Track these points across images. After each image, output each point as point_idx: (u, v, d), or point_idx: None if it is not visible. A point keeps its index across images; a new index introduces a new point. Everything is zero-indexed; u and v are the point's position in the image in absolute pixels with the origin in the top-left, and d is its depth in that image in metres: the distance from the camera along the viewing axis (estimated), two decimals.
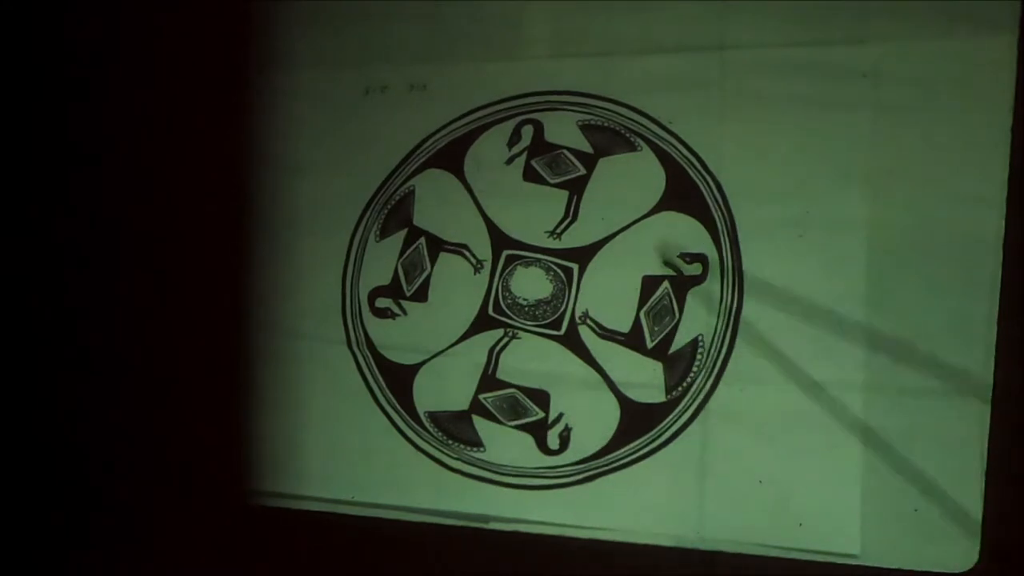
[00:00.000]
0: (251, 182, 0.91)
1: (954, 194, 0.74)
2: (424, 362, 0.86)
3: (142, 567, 0.95)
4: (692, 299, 0.80)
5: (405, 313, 0.87)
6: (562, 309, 0.83)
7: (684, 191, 0.81)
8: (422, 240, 0.87)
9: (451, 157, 0.87)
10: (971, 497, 0.74)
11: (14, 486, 0.98)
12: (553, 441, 0.83)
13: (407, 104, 0.88)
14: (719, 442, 0.79)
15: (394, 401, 0.87)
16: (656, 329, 0.81)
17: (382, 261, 0.88)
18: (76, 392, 0.96)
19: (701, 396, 0.79)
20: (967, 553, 0.74)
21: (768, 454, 0.78)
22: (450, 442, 0.86)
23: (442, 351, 0.86)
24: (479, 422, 0.85)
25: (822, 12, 0.77)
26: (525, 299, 0.84)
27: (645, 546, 0.80)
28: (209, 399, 0.92)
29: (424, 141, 0.88)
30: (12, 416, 0.98)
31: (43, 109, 0.97)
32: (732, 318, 0.79)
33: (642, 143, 0.82)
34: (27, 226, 0.98)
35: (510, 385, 0.84)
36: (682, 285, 0.80)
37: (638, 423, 0.81)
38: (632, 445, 0.81)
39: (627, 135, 0.83)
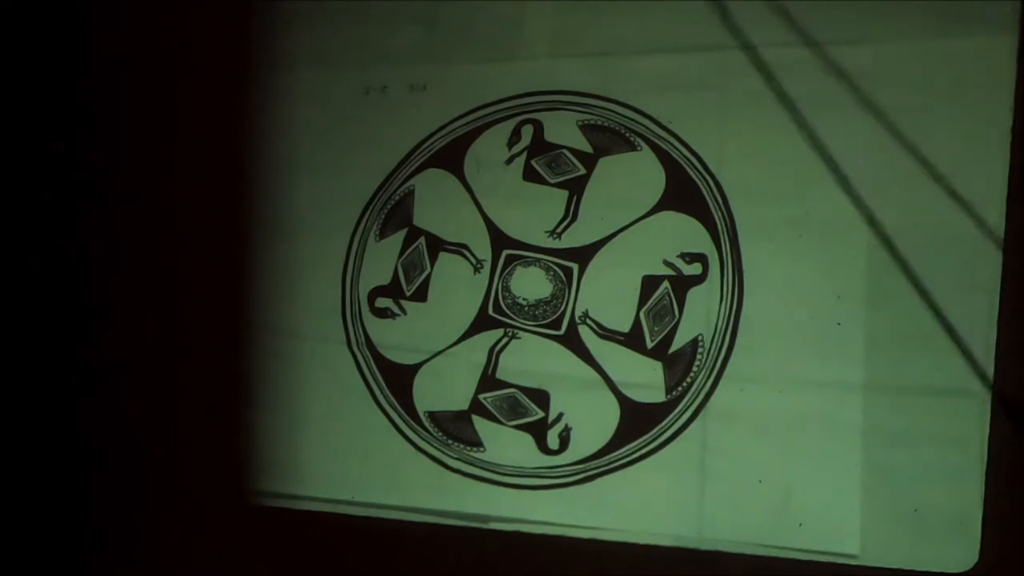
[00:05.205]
0: (251, 182, 0.91)
1: (954, 194, 0.74)
2: (424, 362, 0.86)
3: (142, 567, 0.95)
4: (692, 299, 0.80)
5: (405, 313, 0.87)
6: (562, 309, 0.83)
7: (684, 191, 0.81)
8: (422, 240, 0.87)
9: (451, 157, 0.87)
10: (971, 497, 0.74)
11: (14, 486, 0.98)
12: (553, 441, 0.83)
13: (407, 104, 0.88)
14: (719, 442, 0.79)
15: (394, 401, 0.87)
16: (656, 329, 0.81)
17: (382, 261, 0.88)
18: (76, 392, 0.96)
19: (701, 396, 0.79)
20: (967, 553, 0.74)
21: (768, 454, 0.78)
22: (450, 442, 0.86)
23: (442, 351, 0.86)
24: (479, 422, 0.85)
25: (822, 12, 0.77)
26: (525, 299, 0.84)
27: (645, 546, 0.80)
28: (209, 399, 0.92)
29: (424, 141, 0.88)
30: (12, 416, 0.98)
31: (42, 110, 0.97)
32: (732, 318, 0.79)
33: (642, 143, 0.82)
34: (28, 226, 0.98)
35: (510, 385, 0.84)
36: (682, 285, 0.80)
37: (638, 423, 0.81)
38: (632, 445, 0.81)
39: (627, 135, 0.83)
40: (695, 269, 0.80)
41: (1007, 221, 0.73)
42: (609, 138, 0.83)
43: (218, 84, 0.92)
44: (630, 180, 0.82)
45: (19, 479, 0.98)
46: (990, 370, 0.73)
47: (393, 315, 0.87)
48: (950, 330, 0.74)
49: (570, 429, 0.83)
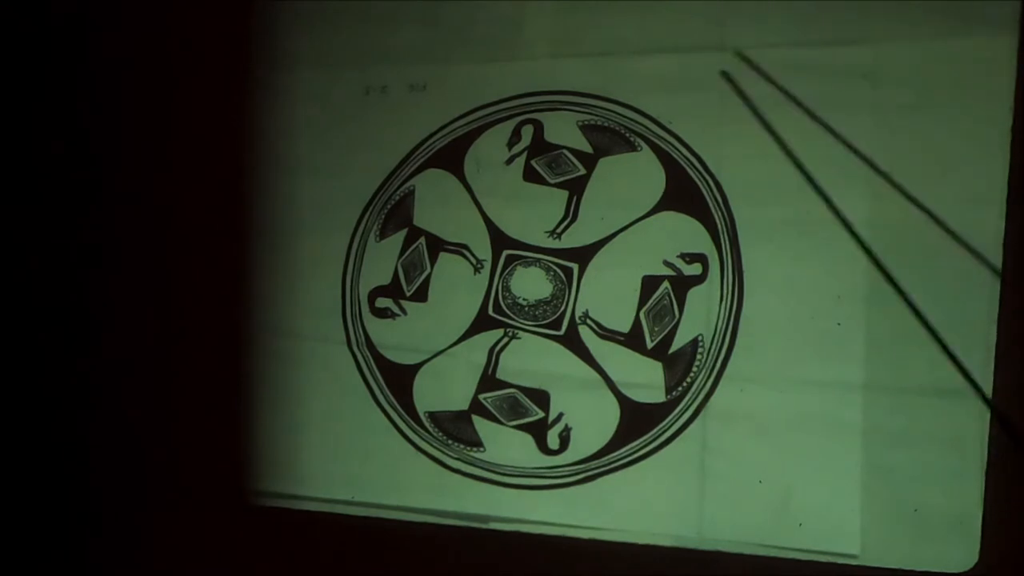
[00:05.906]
0: (251, 182, 0.91)
1: (954, 194, 0.74)
2: (424, 362, 0.86)
3: (142, 567, 0.95)
4: (692, 299, 0.80)
5: (405, 313, 0.87)
6: (562, 309, 0.83)
7: (684, 191, 0.81)
8: (422, 240, 0.87)
9: (451, 157, 0.87)
10: (971, 497, 0.74)
11: (15, 486, 0.98)
12: (553, 441, 0.83)
13: (407, 104, 0.88)
14: (719, 442, 0.79)
15: (394, 401, 0.87)
16: (656, 329, 0.81)
17: (382, 261, 0.88)
18: (77, 392, 0.96)
19: (701, 396, 0.79)
20: (967, 553, 0.74)
21: (768, 454, 0.78)
22: (450, 442, 0.86)
23: (442, 351, 0.86)
24: (479, 422, 0.85)
25: (822, 12, 0.77)
26: (525, 299, 0.84)
27: (645, 546, 0.80)
28: (209, 399, 0.92)
29: (424, 141, 0.88)
30: (13, 416, 0.98)
31: (42, 110, 0.97)
32: (732, 318, 0.79)
33: (642, 143, 0.82)
34: (29, 226, 0.98)
35: (510, 385, 0.84)
36: (682, 285, 0.80)
37: (638, 423, 0.81)
38: (632, 445, 0.81)
39: (627, 135, 0.83)
40: (695, 269, 0.80)
41: (1007, 221, 0.73)
42: (609, 138, 0.83)
43: (218, 84, 0.92)
44: (630, 180, 0.82)
45: (19, 479, 0.98)
46: (990, 370, 0.73)
47: (393, 315, 0.87)
48: (950, 330, 0.74)
49: (570, 429, 0.83)
